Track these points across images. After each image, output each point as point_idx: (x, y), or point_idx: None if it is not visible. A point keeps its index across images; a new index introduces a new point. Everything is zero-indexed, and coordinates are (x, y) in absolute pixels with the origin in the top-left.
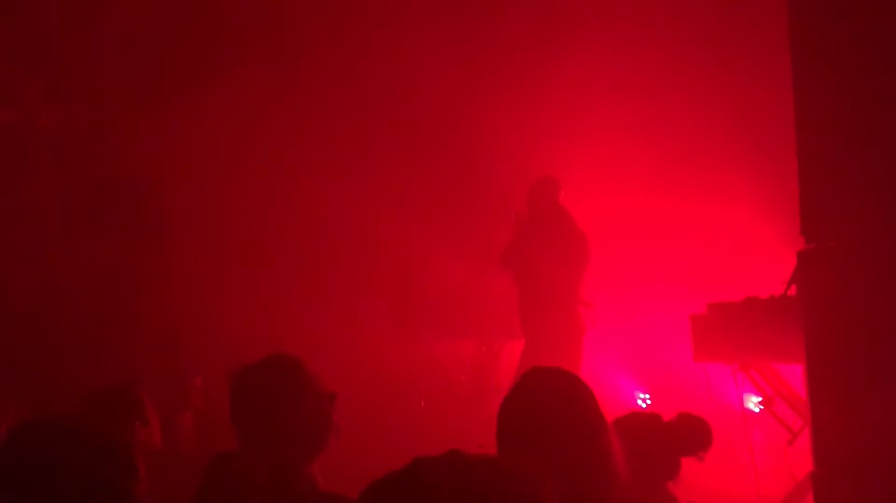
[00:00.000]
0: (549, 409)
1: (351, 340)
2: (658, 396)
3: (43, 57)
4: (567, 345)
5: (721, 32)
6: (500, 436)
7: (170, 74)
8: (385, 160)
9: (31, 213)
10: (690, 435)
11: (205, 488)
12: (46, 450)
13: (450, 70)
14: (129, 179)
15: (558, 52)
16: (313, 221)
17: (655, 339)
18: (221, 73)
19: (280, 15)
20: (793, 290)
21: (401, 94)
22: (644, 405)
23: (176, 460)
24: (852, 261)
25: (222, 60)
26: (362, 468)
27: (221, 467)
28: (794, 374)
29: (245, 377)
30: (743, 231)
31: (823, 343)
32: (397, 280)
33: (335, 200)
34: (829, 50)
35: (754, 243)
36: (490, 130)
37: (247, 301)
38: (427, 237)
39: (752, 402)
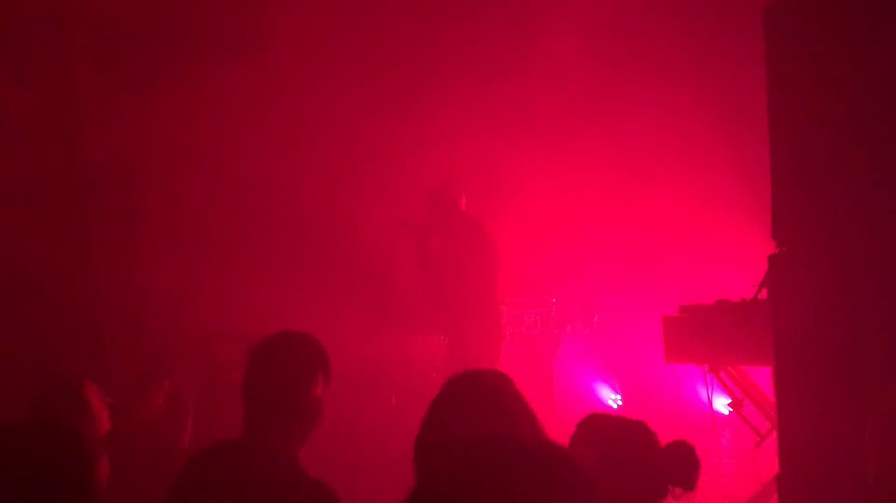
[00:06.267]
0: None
1: (324, 335)
2: (629, 397)
3: (10, 40)
4: (490, 345)
5: (696, 29)
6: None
7: (144, 61)
8: (364, 152)
9: None
10: (680, 465)
11: (191, 475)
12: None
13: (409, 75)
14: (99, 166)
15: (525, 37)
16: (287, 213)
17: (627, 340)
18: (196, 61)
19: (257, 4)
20: (763, 294)
21: (374, 89)
22: (615, 406)
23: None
24: (821, 266)
25: (198, 49)
26: (334, 463)
27: (214, 457)
28: (763, 377)
29: (265, 350)
30: (717, 234)
31: (792, 346)
32: (372, 276)
33: (310, 193)
34: (804, 58)
35: (728, 246)
36: (451, 130)
37: (219, 293)
38: (403, 233)
39: (722, 404)
